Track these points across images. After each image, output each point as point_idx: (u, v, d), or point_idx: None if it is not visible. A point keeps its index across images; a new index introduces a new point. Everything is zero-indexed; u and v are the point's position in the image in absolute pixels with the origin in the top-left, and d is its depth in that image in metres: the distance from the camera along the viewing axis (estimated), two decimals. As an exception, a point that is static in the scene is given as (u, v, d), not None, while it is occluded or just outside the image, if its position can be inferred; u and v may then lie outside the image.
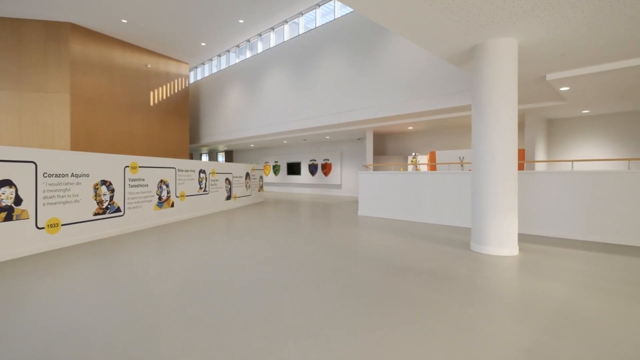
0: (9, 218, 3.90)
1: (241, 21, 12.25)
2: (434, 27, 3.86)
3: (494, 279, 3.22)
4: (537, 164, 8.83)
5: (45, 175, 4.33)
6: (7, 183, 3.89)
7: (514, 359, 1.84)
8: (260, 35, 13.73)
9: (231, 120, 15.56)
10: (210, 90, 16.99)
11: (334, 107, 10.77)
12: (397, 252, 4.26)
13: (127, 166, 5.72)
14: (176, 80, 16.04)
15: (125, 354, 1.86)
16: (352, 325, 2.23)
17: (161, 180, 6.58)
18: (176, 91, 16.02)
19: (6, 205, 3.87)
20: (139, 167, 5.99)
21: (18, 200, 4.00)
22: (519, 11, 3.45)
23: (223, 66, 16.27)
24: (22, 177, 4.05)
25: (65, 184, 4.61)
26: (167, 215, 6.74)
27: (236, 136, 15.16)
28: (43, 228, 4.30)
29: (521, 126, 9.49)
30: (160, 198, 6.55)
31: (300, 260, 3.89)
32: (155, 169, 6.43)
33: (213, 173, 8.61)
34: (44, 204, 4.31)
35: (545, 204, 5.42)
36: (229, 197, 9.43)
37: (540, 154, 8.93)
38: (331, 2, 11.21)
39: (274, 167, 18.18)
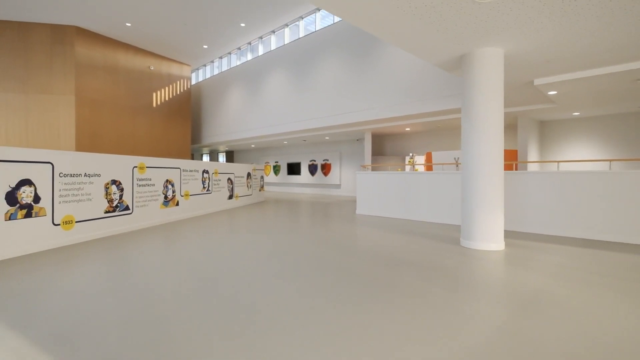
0: (28, 215, 4.19)
1: (243, 24, 12.54)
2: (424, 38, 4.15)
3: (477, 271, 3.51)
4: (529, 164, 9.12)
5: (61, 175, 4.62)
6: (27, 182, 4.18)
7: (485, 333, 2.12)
8: (261, 38, 14.01)
9: (232, 121, 15.84)
10: (212, 92, 17.28)
11: (333, 109, 11.06)
12: (391, 247, 4.55)
13: (136, 166, 6.01)
14: (178, 82, 16.33)
15: (143, 333, 2.15)
16: (346, 308, 2.52)
17: (167, 180, 6.87)
18: (178, 93, 16.31)
19: (26, 203, 4.16)
20: (146, 167, 6.28)
21: (37, 199, 4.29)
22: (501, 24, 3.74)
23: (224, 68, 16.56)
24: (40, 176, 4.34)
25: (79, 183, 4.90)
26: (172, 214, 7.02)
27: (237, 137, 15.45)
28: (59, 225, 4.59)
29: (514, 128, 9.78)
30: (166, 197, 6.84)
31: (300, 254, 4.18)
32: (162, 169, 6.72)
33: (216, 173, 8.90)
34: (59, 202, 4.60)
35: (532, 202, 5.71)
36: (231, 197, 9.72)
37: (532, 154, 9.22)
38: (330, 7, 11.48)
39: (275, 167, 18.47)
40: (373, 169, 11.72)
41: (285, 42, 13.02)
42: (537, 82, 5.79)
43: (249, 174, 11.02)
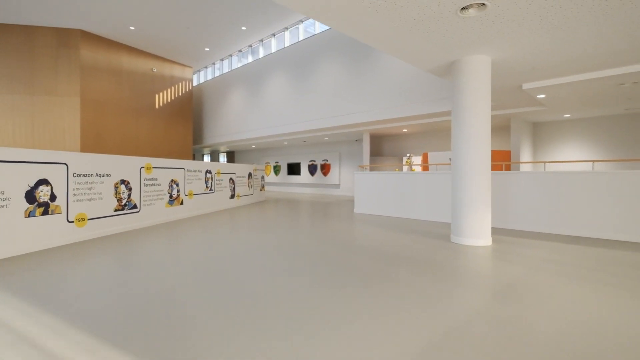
0: (45, 212, 4.47)
1: (244, 28, 12.83)
2: (414, 47, 4.43)
3: (463, 264, 3.80)
4: (521, 164, 9.40)
5: (74, 175, 4.90)
6: (44, 182, 4.46)
7: (464, 314, 2.41)
8: (261, 40, 14.30)
9: (233, 122, 16.13)
10: (213, 93, 17.57)
11: (332, 111, 11.35)
12: (385, 243, 4.84)
13: (143, 167, 6.29)
14: (180, 84, 16.61)
15: (159, 313, 2.44)
16: (340, 295, 2.80)
17: (172, 180, 7.16)
18: (180, 94, 16.59)
19: (44, 201, 4.45)
20: (153, 167, 6.56)
21: (53, 197, 4.58)
22: (485, 35, 4.02)
23: (226, 70, 16.84)
24: (56, 176, 4.63)
25: (91, 183, 5.18)
26: (177, 212, 7.31)
27: (238, 137, 15.73)
28: (73, 222, 4.88)
29: (507, 129, 10.07)
30: (171, 196, 7.13)
31: (300, 249, 4.47)
32: (167, 169, 7.01)
33: (218, 173, 9.18)
34: (73, 201, 4.89)
35: (520, 201, 6.00)
36: (232, 196, 10.00)
37: (525, 155, 9.51)
38: (329, 11, 11.77)
39: (275, 167, 18.76)
40: (371, 169, 12.01)
41: (286, 45, 13.31)
42: (526, 86, 6.08)
43: (250, 174, 11.30)
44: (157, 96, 15.50)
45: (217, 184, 9.09)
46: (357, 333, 2.13)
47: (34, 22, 12.12)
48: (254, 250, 4.38)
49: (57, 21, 12.05)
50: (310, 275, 3.31)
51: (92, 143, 12.85)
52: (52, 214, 4.56)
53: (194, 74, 18.88)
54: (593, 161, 5.35)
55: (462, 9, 3.34)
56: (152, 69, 15.26)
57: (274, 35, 13.76)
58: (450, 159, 9.05)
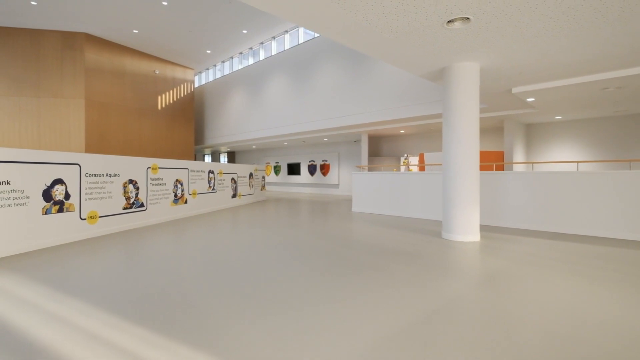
0: (60, 210, 4.77)
1: (245, 31, 13.12)
2: (407, 55, 4.72)
3: (451, 257, 4.09)
4: (514, 165, 9.68)
5: (87, 175, 5.20)
6: (59, 182, 4.76)
7: (444, 299, 2.70)
8: (262, 43, 14.59)
9: (234, 123, 16.42)
10: (215, 95, 17.86)
11: (331, 112, 11.64)
12: (380, 239, 5.13)
13: (149, 167, 6.59)
14: (182, 85, 16.91)
15: (174, 297, 2.73)
16: (336, 283, 3.10)
17: (177, 180, 7.45)
18: (182, 95, 16.89)
19: (59, 199, 4.74)
20: (159, 168, 6.86)
21: (67, 196, 4.87)
22: (472, 45, 4.31)
23: (227, 72, 17.13)
24: (70, 176, 4.92)
25: (102, 182, 5.48)
26: (181, 211, 7.61)
27: (239, 138, 16.03)
28: (85, 219, 5.17)
29: (501, 130, 10.35)
30: (175, 195, 7.42)
31: (299, 244, 4.76)
32: (172, 169, 7.30)
33: (220, 173, 9.48)
34: (85, 199, 5.18)
35: (509, 200, 6.29)
36: (234, 195, 10.30)
37: (518, 155, 9.80)
38: (328, 15, 12.06)
39: (275, 167, 19.05)
40: (369, 170, 12.29)
41: (286, 48, 13.60)
42: (515, 90, 6.37)
43: (251, 174, 11.60)
44: (159, 97, 15.79)
45: (219, 184, 9.38)
46: (348, 311, 2.42)
47: (41, 26, 12.42)
48: (256, 245, 4.67)
49: (63, 25, 12.35)
50: (308, 266, 3.60)
51: (96, 144, 13.15)
52: (66, 211, 4.86)
53: (195, 75, 19.16)
54: (577, 162, 5.64)
55: (448, 21, 3.63)
56: (154, 71, 15.55)
57: (274, 38, 14.06)
58: (445, 159, 9.35)
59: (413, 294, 2.81)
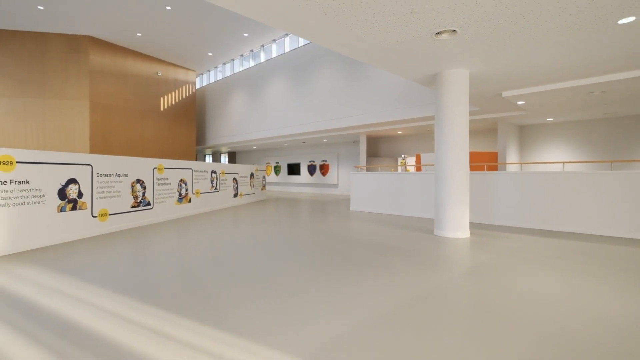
0: (74, 208, 5.06)
1: (246, 34, 13.41)
2: (400, 63, 5.02)
3: (440, 252, 4.38)
4: (507, 165, 9.98)
5: (98, 175, 5.49)
6: (73, 181, 5.05)
7: (430, 287, 2.99)
8: (263, 46, 14.89)
9: (235, 123, 16.71)
10: (216, 96, 18.15)
11: (330, 114, 11.94)
12: (374, 236, 5.42)
13: (155, 167, 6.88)
14: (184, 87, 17.19)
15: (185, 283, 3.02)
16: (332, 274, 3.39)
17: (181, 180, 7.74)
18: (184, 97, 17.17)
19: (73, 198, 5.03)
20: (164, 168, 7.14)
21: (80, 194, 5.16)
22: (460, 54, 4.60)
23: (228, 73, 17.42)
24: (82, 176, 5.21)
25: (112, 182, 5.77)
26: (185, 210, 7.89)
27: (240, 139, 16.32)
28: (96, 216, 5.46)
29: (495, 132, 10.65)
30: (180, 194, 7.71)
31: (298, 240, 5.05)
32: (176, 170, 7.59)
33: (222, 173, 9.77)
34: (97, 198, 5.47)
35: (499, 198, 6.59)
36: (236, 195, 10.59)
37: (512, 156, 10.10)
38: (328, 18, 12.36)
39: (275, 167, 19.34)
40: (367, 170, 12.59)
41: (286, 50, 13.89)
42: (505, 94, 6.67)
43: (252, 174, 11.89)
44: (161, 99, 16.08)
45: (221, 184, 9.67)
46: (343, 297, 2.71)
47: (46, 29, 12.70)
48: (258, 241, 4.96)
49: (68, 28, 12.63)
50: (306, 259, 3.89)
51: (100, 144, 13.42)
52: (79, 209, 5.15)
53: (197, 77, 19.45)
54: (563, 162, 5.94)
55: (437, 33, 3.93)
56: (157, 73, 15.83)
57: (274, 41, 14.35)
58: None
59: (402, 283, 3.10)
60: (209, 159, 25.45)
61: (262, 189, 12.86)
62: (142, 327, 2.19)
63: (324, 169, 16.61)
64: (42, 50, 12.92)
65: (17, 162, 4.28)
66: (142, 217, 6.50)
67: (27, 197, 4.39)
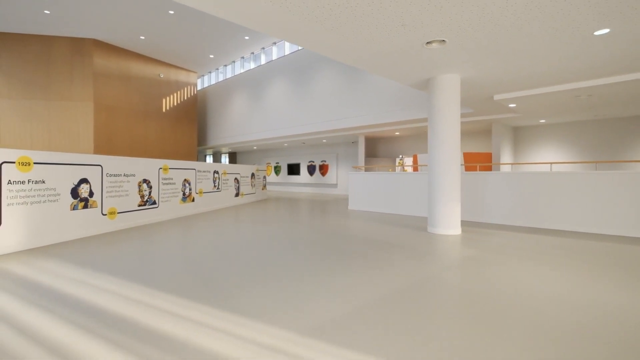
0: (85, 206, 5.34)
1: (247, 37, 13.70)
2: (394, 69, 5.30)
3: (431, 247, 4.66)
4: (501, 165, 10.27)
5: (107, 175, 5.77)
6: (85, 181, 5.33)
7: (417, 277, 3.27)
8: (263, 48, 15.18)
9: (236, 124, 17.00)
10: (217, 97, 18.44)
11: (329, 115, 12.22)
12: (370, 233, 5.70)
13: (161, 168, 7.16)
14: (185, 88, 17.47)
15: (195, 274, 3.31)
16: (329, 265, 3.67)
17: (185, 179, 8.02)
18: (186, 98, 17.45)
19: (84, 197, 5.31)
20: (169, 168, 7.43)
21: (91, 194, 5.44)
22: (450, 61, 4.88)
23: (229, 75, 17.71)
24: (93, 176, 5.49)
25: (120, 182, 6.05)
26: (189, 209, 8.17)
27: (240, 139, 16.60)
28: (106, 215, 5.74)
29: (489, 133, 10.93)
30: (184, 194, 7.99)
31: (298, 237, 5.33)
32: (181, 170, 7.87)
33: (224, 173, 10.05)
34: (106, 197, 5.75)
35: (491, 197, 6.87)
36: (237, 194, 10.87)
37: (506, 156, 10.38)
38: (327, 22, 12.65)
39: (275, 167, 19.63)
40: (365, 170, 12.87)
41: (286, 53, 14.18)
42: (496, 97, 6.95)
43: (253, 174, 12.17)
44: (164, 100, 16.36)
45: (223, 183, 9.95)
46: (338, 285, 2.99)
47: (51, 33, 12.98)
48: (260, 237, 5.25)
49: (73, 31, 12.91)
50: (306, 252, 4.18)
51: (104, 145, 13.70)
52: (90, 207, 5.43)
53: (198, 78, 19.73)
54: (551, 163, 6.23)
55: (427, 43, 4.21)
56: (159, 75, 16.11)
57: (274, 43, 14.63)
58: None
59: (393, 274, 3.39)
60: (209, 159, 25.72)
61: (262, 189, 13.14)
62: (160, 310, 2.48)
63: (324, 169, 16.89)
64: (47, 53, 13.20)
65: (34, 163, 4.57)
66: (149, 216, 6.78)
67: (43, 195, 4.67)
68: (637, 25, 3.71)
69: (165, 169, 7.29)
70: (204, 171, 8.90)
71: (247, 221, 7.14)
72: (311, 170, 17.48)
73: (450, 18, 3.57)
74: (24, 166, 4.43)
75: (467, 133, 11.65)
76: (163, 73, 16.30)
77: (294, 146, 17.95)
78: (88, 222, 5.38)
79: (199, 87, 19.88)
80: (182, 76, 17.25)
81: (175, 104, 16.90)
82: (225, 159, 24.34)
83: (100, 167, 5.63)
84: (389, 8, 3.37)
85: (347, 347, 1.96)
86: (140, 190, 6.56)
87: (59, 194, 4.90)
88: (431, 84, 5.72)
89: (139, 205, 6.55)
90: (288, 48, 14.15)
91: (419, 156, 10.50)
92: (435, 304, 2.63)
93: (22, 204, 4.41)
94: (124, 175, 6.17)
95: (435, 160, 5.65)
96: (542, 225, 6.23)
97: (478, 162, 9.30)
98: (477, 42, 4.19)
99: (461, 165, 8.20)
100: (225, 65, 17.65)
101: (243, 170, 11.41)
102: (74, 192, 5.15)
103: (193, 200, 8.37)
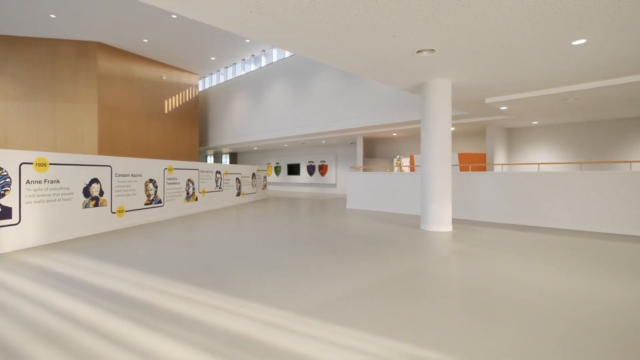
0: (96, 205, 5.64)
1: (247, 40, 13.99)
2: (388, 75, 5.60)
3: (423, 243, 4.96)
4: (495, 165, 10.56)
5: (116, 175, 6.07)
6: (96, 181, 5.63)
7: (414, 269, 3.57)
8: (264, 51, 15.48)
9: (237, 125, 17.30)
10: (218, 98, 18.75)
11: (328, 116, 12.52)
12: (367, 230, 6.00)
13: (166, 168, 7.46)
14: (187, 90, 17.78)
15: (202, 266, 3.60)
16: (325, 258, 3.97)
17: (188, 179, 8.32)
18: (187, 99, 17.75)
19: (95, 196, 5.61)
20: (174, 169, 7.73)
21: (101, 193, 5.74)
22: (441, 67, 5.18)
23: (230, 77, 18.01)
24: (103, 176, 5.79)
25: (128, 181, 6.35)
26: (192, 208, 8.47)
27: (241, 140, 16.90)
28: (115, 213, 6.04)
29: (484, 134, 11.23)
30: (187, 193, 8.29)
31: (298, 234, 5.63)
32: (185, 170, 8.17)
33: (226, 173, 10.35)
34: (115, 196, 6.05)
35: (482, 196, 7.17)
36: (238, 194, 11.17)
37: (500, 157, 10.68)
38: (326, 26, 12.95)
39: (276, 167, 19.93)
40: (363, 170, 13.17)
41: (286, 55, 14.48)
42: (488, 100, 7.25)
43: (253, 174, 12.47)
44: (166, 101, 16.66)
45: (225, 183, 10.25)
46: (334, 275, 3.29)
47: (56, 36, 13.28)
48: (261, 234, 5.55)
49: (78, 35, 13.21)
50: (304, 247, 4.47)
51: (108, 146, 14.00)
52: (100, 206, 5.73)
53: (199, 80, 20.04)
54: (539, 163, 6.53)
55: (418, 51, 4.51)
56: (161, 77, 16.42)
57: (275, 46, 14.92)
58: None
59: (385, 265, 3.69)
60: (210, 159, 26.01)
61: (263, 189, 13.44)
62: (173, 295, 2.78)
63: (323, 169, 17.20)
64: (53, 55, 13.50)
65: (50, 164, 4.87)
66: (154, 214, 7.08)
67: (57, 194, 4.97)
68: (611, 36, 4.01)
69: (170, 169, 7.59)
70: (206, 171, 9.20)
71: (248, 219, 7.44)
72: (311, 170, 17.78)
73: (438, 29, 3.87)
74: (40, 167, 4.73)
75: (462, 134, 11.95)
76: (165, 75, 16.60)
77: (293, 147, 18.25)
78: (99, 220, 5.68)
79: (200, 89, 20.18)
80: (184, 78, 17.55)
81: (177, 105, 17.20)
82: (226, 160, 24.64)
83: (109, 167, 5.93)
84: (380, 21, 3.66)
85: (338, 324, 2.26)
86: (146, 190, 6.86)
87: (72, 193, 5.20)
88: (424, 88, 6.02)
89: (146, 204, 6.85)
90: (288, 51, 14.44)
91: (416, 156, 10.79)
92: (422, 289, 2.93)
93: (39, 202, 4.71)
94: (132, 175, 6.46)
95: (427, 160, 5.95)
96: (532, 223, 6.53)
97: (472, 162, 9.60)
98: (464, 50, 4.49)
99: (456, 165, 8.51)
100: (227, 67, 17.95)
101: (244, 170, 11.71)
102: (86, 191, 5.45)
103: (196, 199, 8.67)
